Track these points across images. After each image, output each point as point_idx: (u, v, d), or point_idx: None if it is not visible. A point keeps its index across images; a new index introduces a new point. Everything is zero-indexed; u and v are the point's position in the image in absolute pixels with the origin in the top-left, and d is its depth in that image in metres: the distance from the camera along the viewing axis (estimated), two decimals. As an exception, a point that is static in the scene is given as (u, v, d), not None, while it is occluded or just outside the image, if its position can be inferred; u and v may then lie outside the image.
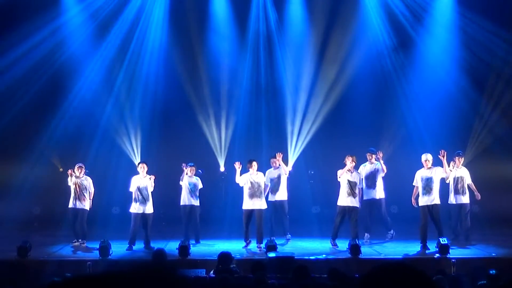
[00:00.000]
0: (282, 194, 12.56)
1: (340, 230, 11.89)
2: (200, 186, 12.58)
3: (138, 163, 12.24)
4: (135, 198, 11.86)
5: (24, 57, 14.56)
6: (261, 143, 15.31)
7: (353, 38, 15.29)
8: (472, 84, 14.90)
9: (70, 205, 12.24)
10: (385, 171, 12.50)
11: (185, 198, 12.48)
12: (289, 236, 12.54)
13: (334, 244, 11.79)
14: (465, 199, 12.24)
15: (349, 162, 11.90)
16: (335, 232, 11.88)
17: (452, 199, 12.30)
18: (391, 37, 15.26)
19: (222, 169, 15.18)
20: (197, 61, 15.38)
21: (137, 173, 12.07)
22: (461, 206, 12.23)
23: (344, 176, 11.91)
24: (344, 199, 11.93)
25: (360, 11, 15.38)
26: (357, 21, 15.36)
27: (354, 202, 11.90)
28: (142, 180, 11.91)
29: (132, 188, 11.91)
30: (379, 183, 12.59)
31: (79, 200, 12.17)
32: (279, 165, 12.50)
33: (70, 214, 12.25)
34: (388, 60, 15.33)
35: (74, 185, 12.19)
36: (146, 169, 11.99)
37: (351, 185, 11.88)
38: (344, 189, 11.92)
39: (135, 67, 15.25)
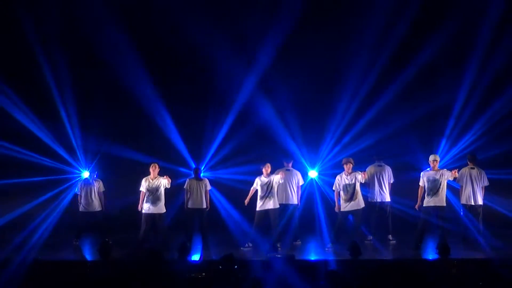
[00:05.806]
0: (291, 198, 12.41)
1: (340, 232, 11.92)
2: (209, 187, 12.43)
3: (150, 163, 11.96)
4: (145, 199, 11.79)
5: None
6: (263, 143, 15.27)
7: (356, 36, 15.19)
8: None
9: (81, 209, 12.54)
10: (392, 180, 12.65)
11: (191, 201, 12.29)
12: (298, 242, 12.45)
13: (329, 247, 11.79)
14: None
15: (346, 166, 11.89)
16: (334, 235, 11.91)
17: (469, 200, 12.15)
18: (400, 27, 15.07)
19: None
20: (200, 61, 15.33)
21: (148, 173, 11.92)
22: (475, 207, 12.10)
23: (341, 183, 11.90)
24: (343, 204, 11.94)
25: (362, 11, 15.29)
26: (360, 21, 15.27)
27: (353, 205, 11.89)
28: (153, 182, 11.81)
29: (142, 188, 11.84)
30: (387, 187, 12.60)
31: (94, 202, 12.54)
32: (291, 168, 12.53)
33: (87, 217, 12.50)
34: (392, 57, 15.21)
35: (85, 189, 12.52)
36: (157, 169, 11.85)
37: (348, 189, 11.87)
38: (341, 194, 11.92)
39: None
